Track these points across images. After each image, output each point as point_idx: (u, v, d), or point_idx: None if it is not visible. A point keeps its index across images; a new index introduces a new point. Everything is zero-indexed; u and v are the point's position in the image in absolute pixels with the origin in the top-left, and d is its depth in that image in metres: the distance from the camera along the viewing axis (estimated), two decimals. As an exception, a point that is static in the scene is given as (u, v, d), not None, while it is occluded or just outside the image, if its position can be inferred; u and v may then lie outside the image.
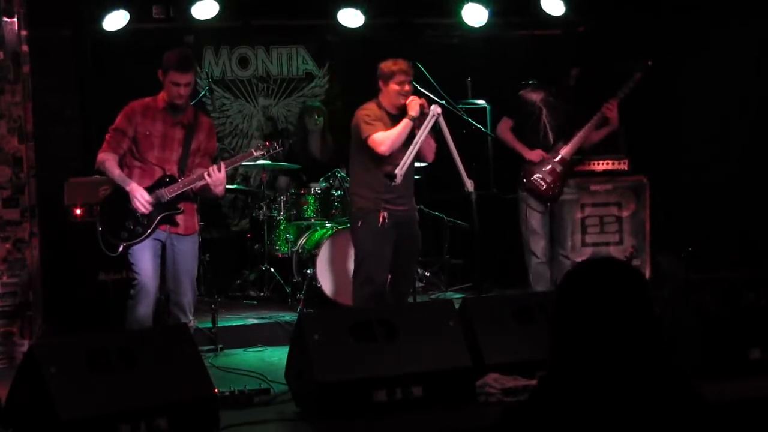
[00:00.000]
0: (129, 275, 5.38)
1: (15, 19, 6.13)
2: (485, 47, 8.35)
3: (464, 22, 7.63)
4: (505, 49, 8.34)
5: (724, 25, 7.34)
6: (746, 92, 7.34)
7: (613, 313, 1.98)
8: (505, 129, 6.53)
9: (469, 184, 5.70)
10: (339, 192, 7.32)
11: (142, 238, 5.29)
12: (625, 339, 1.97)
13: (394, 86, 5.69)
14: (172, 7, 7.39)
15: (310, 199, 7.38)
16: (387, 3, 7.94)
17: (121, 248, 5.28)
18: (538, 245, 6.36)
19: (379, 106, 5.76)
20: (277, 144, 5.72)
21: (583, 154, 6.69)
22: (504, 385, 4.56)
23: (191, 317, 5.51)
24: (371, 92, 5.83)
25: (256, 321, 6.76)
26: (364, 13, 7.63)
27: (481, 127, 6.97)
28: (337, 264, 6.92)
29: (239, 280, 7.67)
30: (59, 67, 6.91)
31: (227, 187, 7.72)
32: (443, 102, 6.07)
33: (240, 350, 6.29)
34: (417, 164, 5.98)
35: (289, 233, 7.44)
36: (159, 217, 5.32)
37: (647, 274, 7.47)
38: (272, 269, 7.45)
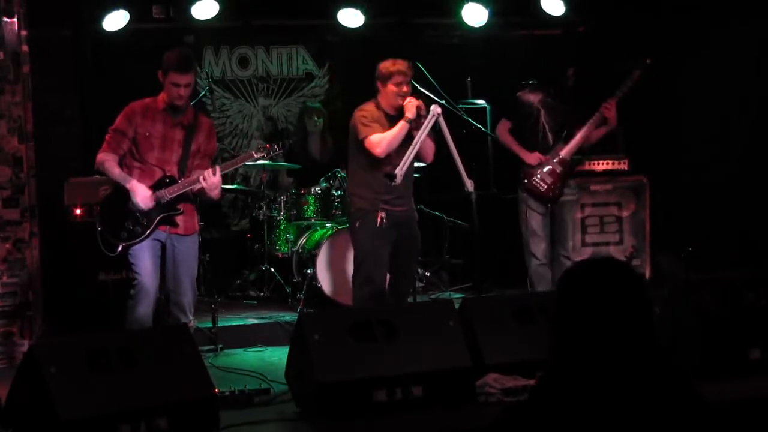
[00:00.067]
0: (129, 275, 5.38)
1: (15, 19, 6.13)
2: (485, 47, 8.35)
3: (464, 22, 7.64)
4: (505, 49, 8.34)
5: (724, 25, 7.34)
6: (746, 92, 7.34)
7: (612, 312, 1.98)
8: (503, 131, 6.52)
9: (469, 184, 5.69)
10: (339, 192, 7.32)
11: (141, 238, 5.29)
12: (623, 338, 1.97)
13: (391, 87, 5.69)
14: (172, 7, 7.39)
15: (311, 199, 7.38)
16: (387, 3, 7.95)
17: (120, 248, 5.28)
18: (539, 247, 6.35)
19: (378, 106, 5.76)
20: (278, 146, 5.72)
21: (583, 154, 6.69)
22: (504, 385, 4.56)
23: (191, 317, 5.51)
24: (371, 92, 5.83)
25: (256, 321, 6.76)
26: (364, 13, 7.63)
27: (481, 127, 6.97)
28: (337, 264, 6.92)
29: (239, 280, 7.68)
30: (59, 67, 6.91)
31: (228, 187, 7.79)
32: (443, 102, 6.07)
33: (240, 350, 6.29)
34: (416, 164, 5.98)
35: (289, 233, 7.44)
36: (158, 218, 5.32)
37: (647, 274, 7.48)
38: (272, 269, 7.45)
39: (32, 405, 3.96)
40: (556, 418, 1.95)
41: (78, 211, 6.34)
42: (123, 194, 5.30)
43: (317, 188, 7.38)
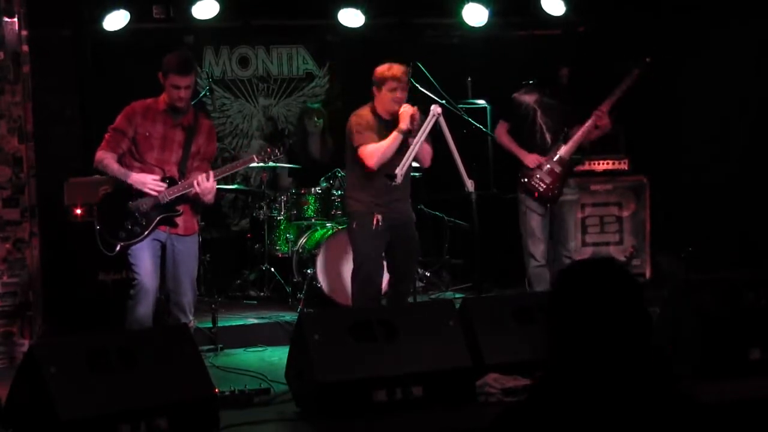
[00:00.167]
0: (129, 275, 5.38)
1: (15, 19, 6.13)
2: (485, 47, 8.35)
3: (464, 22, 7.63)
4: (505, 49, 8.34)
5: (724, 25, 7.34)
6: (746, 92, 7.34)
7: (606, 312, 1.98)
8: (501, 132, 6.52)
9: (470, 184, 5.69)
10: (339, 192, 7.32)
11: (140, 238, 5.29)
12: (617, 338, 1.97)
13: (386, 93, 5.64)
14: (172, 7, 7.39)
15: (311, 199, 7.38)
16: (387, 3, 7.94)
17: (118, 248, 5.27)
18: (538, 248, 6.34)
19: (373, 111, 5.73)
20: (279, 151, 5.70)
21: (583, 153, 6.68)
22: (504, 385, 4.56)
23: (191, 317, 5.51)
24: (371, 92, 5.82)
25: (256, 321, 6.76)
26: (364, 13, 7.63)
27: (481, 127, 6.96)
28: (337, 264, 6.92)
29: (239, 280, 7.68)
30: (59, 67, 6.91)
31: (228, 187, 7.80)
32: (443, 102, 6.06)
33: (240, 350, 6.29)
34: (414, 164, 5.97)
35: (289, 233, 7.44)
36: (158, 218, 5.32)
37: (647, 274, 7.49)
38: (272, 269, 7.45)
39: (32, 405, 3.96)
40: (553, 418, 1.95)
41: (78, 211, 6.34)
42: (122, 194, 5.30)
43: (317, 188, 7.38)
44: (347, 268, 6.19)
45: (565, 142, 6.31)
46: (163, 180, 5.34)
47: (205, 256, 6.96)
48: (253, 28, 8.41)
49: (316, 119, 8.05)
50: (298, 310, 6.78)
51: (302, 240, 7.30)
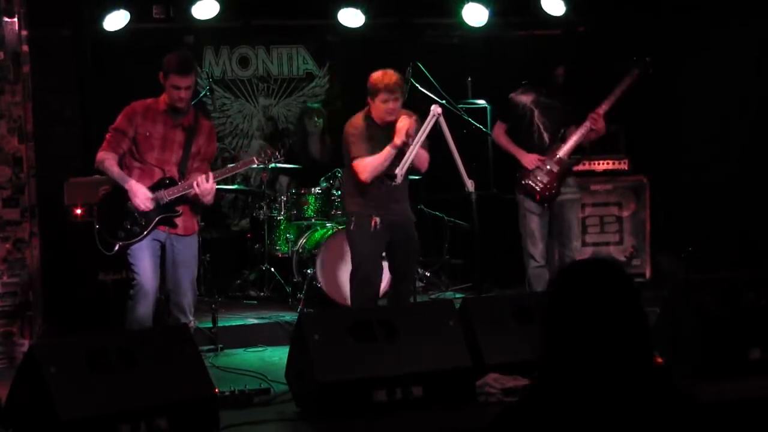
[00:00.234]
0: (128, 275, 5.38)
1: (15, 19, 6.13)
2: (485, 47, 8.35)
3: (464, 22, 7.63)
4: (505, 49, 8.34)
5: (724, 25, 7.34)
6: (746, 92, 7.34)
7: (602, 312, 1.98)
8: (499, 133, 6.51)
9: (470, 184, 5.69)
10: (339, 192, 7.31)
11: (139, 238, 5.29)
12: (614, 338, 1.97)
13: (379, 104, 5.60)
14: (172, 7, 7.39)
15: (311, 199, 7.38)
16: (387, 3, 7.94)
17: (117, 247, 5.27)
18: (537, 249, 6.32)
19: (368, 117, 5.69)
20: (279, 153, 5.70)
21: (583, 153, 6.68)
22: (504, 385, 4.56)
23: (191, 318, 5.51)
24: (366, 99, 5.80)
25: (256, 321, 6.76)
26: (364, 13, 7.63)
27: (481, 127, 6.97)
28: (337, 264, 6.92)
29: (239, 280, 7.68)
30: (59, 67, 6.91)
31: (228, 187, 7.80)
32: (443, 102, 6.06)
33: (240, 350, 6.29)
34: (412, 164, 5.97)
35: (289, 233, 7.44)
36: (157, 218, 5.32)
37: (647, 274, 7.48)
38: (272, 269, 7.45)
39: (32, 405, 3.96)
40: (553, 418, 1.95)
41: (78, 211, 6.35)
42: (122, 194, 5.30)
43: (317, 188, 7.38)
44: (347, 269, 6.19)
45: (563, 141, 6.30)
46: (162, 180, 5.34)
47: (205, 256, 6.96)
48: (253, 28, 8.41)
49: (316, 119, 8.05)
50: (298, 310, 6.78)
51: (302, 240, 7.30)
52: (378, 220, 5.65)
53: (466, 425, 4.37)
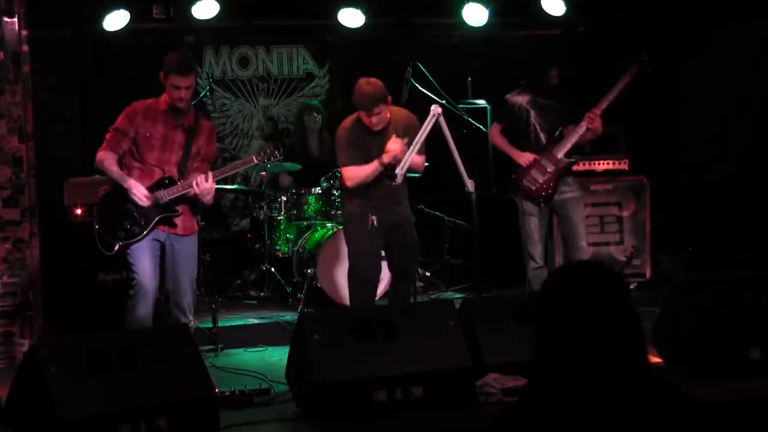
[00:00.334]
0: (128, 275, 5.38)
1: (15, 19, 6.13)
2: (485, 47, 8.35)
3: (464, 22, 7.64)
4: (505, 49, 8.34)
5: (724, 25, 7.34)
6: (746, 92, 7.34)
7: (593, 313, 1.99)
8: (495, 133, 6.51)
9: (470, 184, 5.69)
10: (339, 192, 7.32)
11: (138, 238, 5.29)
12: (605, 339, 1.98)
13: (364, 116, 5.61)
14: (172, 7, 7.39)
15: (311, 199, 7.38)
16: (387, 3, 7.95)
17: (116, 247, 5.28)
18: (536, 250, 6.31)
19: (359, 120, 5.68)
20: (279, 153, 5.70)
21: (581, 153, 6.67)
22: (504, 385, 4.56)
23: (191, 318, 5.51)
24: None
25: (256, 321, 6.76)
26: (364, 13, 7.63)
27: (481, 127, 6.97)
28: (337, 264, 6.92)
29: (239, 280, 7.68)
30: (59, 67, 6.92)
31: (228, 187, 7.80)
32: (443, 102, 6.06)
33: (240, 350, 6.29)
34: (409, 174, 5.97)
35: (289, 233, 7.44)
36: (156, 218, 5.32)
37: (647, 274, 7.48)
38: (272, 269, 7.45)
39: (32, 405, 3.96)
40: (552, 418, 1.95)
41: (78, 211, 6.35)
42: (122, 194, 5.30)
43: (317, 188, 7.38)
44: (347, 268, 6.19)
45: (560, 141, 6.28)
46: (162, 180, 5.34)
47: (205, 256, 6.96)
48: (253, 28, 8.42)
49: (315, 115, 8.04)
50: (298, 310, 6.78)
51: (302, 240, 7.30)
52: (374, 219, 5.65)
53: (466, 425, 4.37)
